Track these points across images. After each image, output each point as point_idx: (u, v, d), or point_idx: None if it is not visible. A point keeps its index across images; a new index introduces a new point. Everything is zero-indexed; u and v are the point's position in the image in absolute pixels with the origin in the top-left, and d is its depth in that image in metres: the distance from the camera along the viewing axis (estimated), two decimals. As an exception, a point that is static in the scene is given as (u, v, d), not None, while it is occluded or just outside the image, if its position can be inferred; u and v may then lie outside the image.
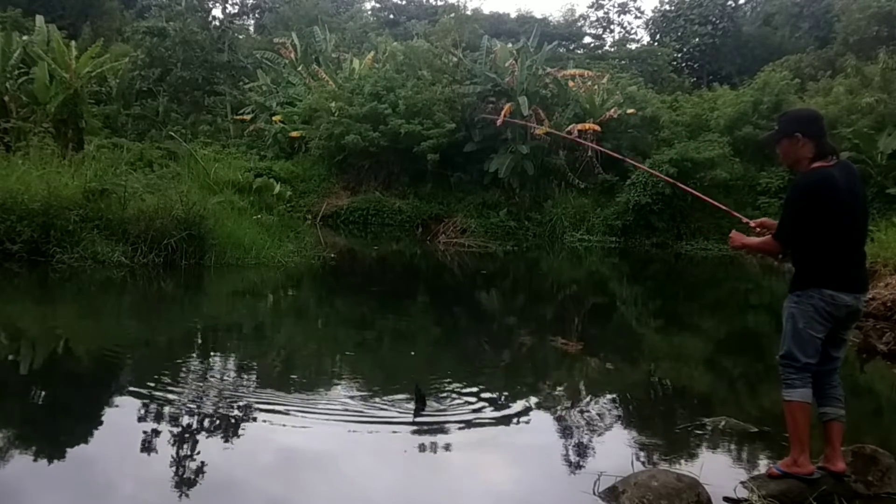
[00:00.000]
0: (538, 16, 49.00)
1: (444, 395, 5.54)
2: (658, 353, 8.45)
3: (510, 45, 25.19)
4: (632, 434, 4.83)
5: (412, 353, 7.77)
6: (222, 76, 28.68)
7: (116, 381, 5.85)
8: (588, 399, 5.92)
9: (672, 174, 20.06)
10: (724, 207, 5.06)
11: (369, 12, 48.18)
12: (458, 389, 5.73)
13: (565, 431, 4.89)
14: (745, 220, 4.28)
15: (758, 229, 4.23)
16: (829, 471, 3.85)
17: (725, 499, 3.79)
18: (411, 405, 5.02)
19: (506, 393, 5.72)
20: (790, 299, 3.87)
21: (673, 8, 41.18)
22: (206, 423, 4.66)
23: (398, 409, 5.00)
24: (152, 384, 5.53)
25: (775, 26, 41.44)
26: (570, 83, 23.79)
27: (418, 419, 4.86)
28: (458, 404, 5.24)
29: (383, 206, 22.33)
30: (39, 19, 22.20)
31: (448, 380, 6.22)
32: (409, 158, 22.36)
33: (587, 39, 46.31)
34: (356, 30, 35.29)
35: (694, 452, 4.51)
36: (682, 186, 6.04)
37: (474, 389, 5.70)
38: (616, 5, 47.09)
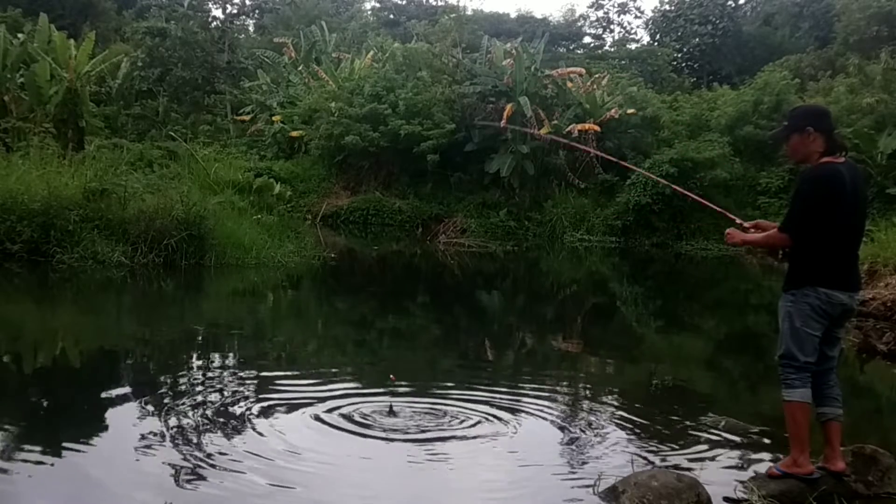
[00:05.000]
0: (538, 16, 49.04)
1: (443, 394, 5.54)
2: (658, 354, 8.45)
3: (509, 45, 25.19)
4: (632, 434, 4.82)
5: (411, 353, 7.77)
6: (222, 76, 28.69)
7: (115, 382, 5.85)
8: (588, 399, 5.92)
9: (672, 174, 20.09)
10: (719, 209, 5.02)
11: (369, 12, 48.18)
12: (458, 389, 5.73)
13: (565, 431, 4.88)
14: (739, 221, 4.26)
15: (752, 230, 4.21)
16: (829, 471, 3.84)
17: (725, 499, 3.79)
18: (409, 409, 5.02)
19: (505, 393, 5.72)
20: (785, 299, 3.87)
21: (673, 8, 41.14)
22: (204, 424, 4.66)
23: (395, 410, 4.99)
24: (151, 385, 5.53)
25: (775, 26, 41.42)
26: (569, 83, 23.78)
27: (417, 420, 4.86)
28: (457, 404, 5.23)
29: (383, 206, 22.33)
30: (43, 18, 22.18)
31: (447, 379, 6.23)
32: (409, 158, 22.37)
33: (587, 39, 46.34)
34: (356, 30, 35.29)
35: (694, 452, 4.50)
36: (680, 190, 6.00)
37: (474, 389, 5.70)
38: (616, 5, 47.09)
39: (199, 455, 4.05)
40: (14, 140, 16.92)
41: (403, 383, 5.59)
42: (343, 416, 4.85)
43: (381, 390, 5.47)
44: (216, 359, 6.90)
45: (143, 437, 4.31)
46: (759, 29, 41.43)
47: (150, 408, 4.91)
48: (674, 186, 6.69)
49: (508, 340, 8.98)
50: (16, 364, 6.28)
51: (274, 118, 25.49)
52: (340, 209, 22.46)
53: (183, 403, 5.03)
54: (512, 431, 4.75)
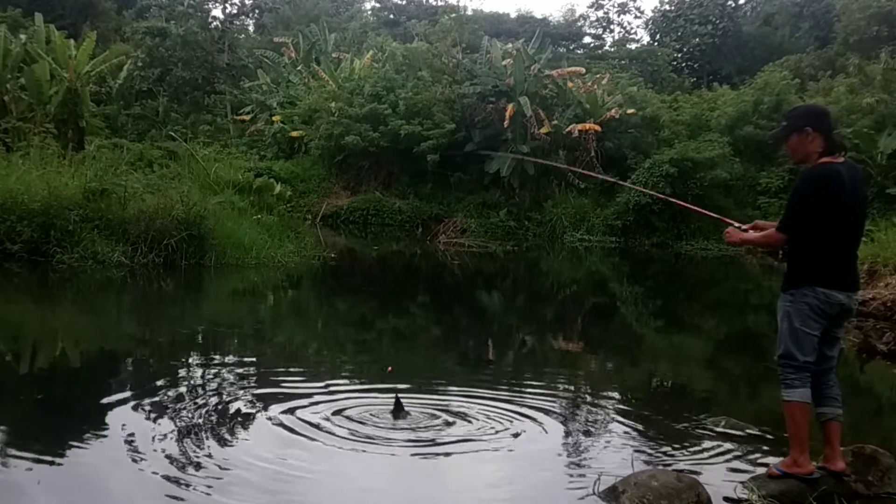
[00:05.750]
0: (538, 16, 48.98)
1: (443, 395, 5.54)
2: (658, 354, 8.45)
3: (509, 45, 25.22)
4: (632, 434, 4.82)
5: (411, 354, 7.77)
6: (222, 76, 28.71)
7: (115, 382, 5.84)
8: (588, 399, 5.92)
9: (672, 174, 20.15)
10: (715, 216, 4.95)
11: (369, 12, 48.17)
12: (458, 389, 5.73)
13: (565, 431, 4.88)
14: (737, 225, 4.23)
15: (751, 232, 4.21)
16: (829, 471, 3.84)
17: (725, 499, 3.78)
18: (409, 409, 5.01)
19: (505, 393, 5.72)
20: (784, 298, 3.87)
21: (673, 8, 41.13)
22: (203, 425, 4.65)
23: (394, 410, 4.98)
24: (151, 385, 5.53)
25: (775, 26, 41.42)
26: (570, 83, 23.80)
27: (417, 420, 4.85)
28: (457, 404, 5.23)
29: (383, 206, 22.34)
30: (38, 18, 22.21)
31: (447, 379, 6.23)
32: (409, 158, 22.39)
33: (587, 39, 46.29)
34: (356, 30, 35.29)
35: (694, 452, 4.51)
36: (675, 201, 6.03)
37: (474, 389, 5.70)
38: (616, 5, 47.06)
39: (199, 457, 4.05)
40: (14, 140, 16.93)
41: (403, 384, 5.59)
42: (342, 417, 4.84)
43: (381, 392, 5.46)
44: (216, 359, 6.90)
45: (142, 438, 4.30)
46: (759, 29, 41.43)
47: (150, 408, 4.90)
48: (666, 197, 6.67)
49: (508, 341, 8.98)
50: (16, 364, 6.27)
51: (274, 118, 25.50)
52: (340, 209, 22.47)
53: (182, 404, 5.03)
54: (512, 431, 4.75)
